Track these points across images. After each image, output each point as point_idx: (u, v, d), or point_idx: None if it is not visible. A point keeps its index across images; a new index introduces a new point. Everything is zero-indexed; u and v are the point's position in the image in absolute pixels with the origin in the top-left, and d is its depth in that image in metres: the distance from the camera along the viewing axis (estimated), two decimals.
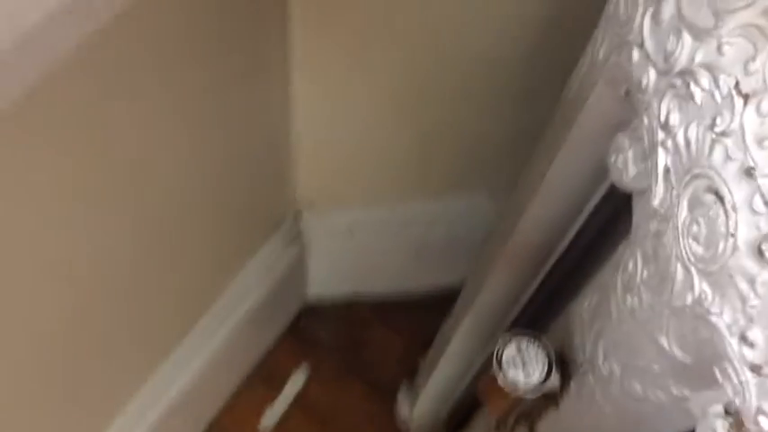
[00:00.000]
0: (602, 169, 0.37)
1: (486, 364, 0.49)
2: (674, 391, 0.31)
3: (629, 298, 0.32)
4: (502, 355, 0.37)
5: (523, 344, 0.38)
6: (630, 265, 0.32)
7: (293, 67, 0.63)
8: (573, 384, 0.39)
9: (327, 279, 0.92)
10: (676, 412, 0.32)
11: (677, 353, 0.29)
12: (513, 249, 0.44)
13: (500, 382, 0.37)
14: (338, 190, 0.82)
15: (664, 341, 0.30)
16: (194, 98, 0.52)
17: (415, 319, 0.91)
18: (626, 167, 0.33)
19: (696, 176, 0.26)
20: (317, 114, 0.70)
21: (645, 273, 0.31)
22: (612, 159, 0.34)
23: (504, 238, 0.45)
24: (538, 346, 0.38)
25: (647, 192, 0.32)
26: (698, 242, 0.26)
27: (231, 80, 0.56)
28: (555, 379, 0.38)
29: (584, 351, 0.37)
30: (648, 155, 0.30)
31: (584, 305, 0.38)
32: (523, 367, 0.37)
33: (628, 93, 0.32)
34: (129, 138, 0.47)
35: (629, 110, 0.33)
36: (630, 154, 0.33)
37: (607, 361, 0.35)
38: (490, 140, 0.78)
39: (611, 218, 0.39)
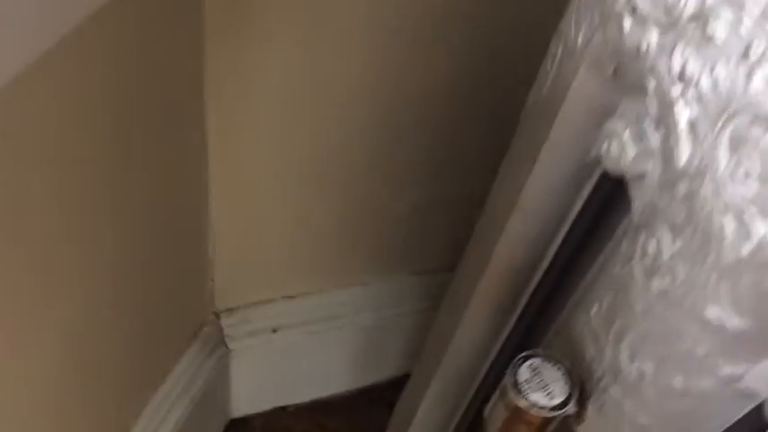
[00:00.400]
0: (584, 168, 0.36)
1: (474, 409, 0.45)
2: (725, 372, 0.29)
3: (656, 281, 0.30)
4: (516, 380, 0.34)
5: (537, 364, 0.35)
6: (651, 247, 0.30)
7: (210, 158, 0.60)
8: (591, 405, 0.36)
9: (254, 388, 0.85)
10: (726, 399, 0.30)
11: (731, 320, 0.27)
12: (492, 278, 0.42)
13: (523, 408, 0.33)
14: (258, 284, 0.77)
15: (712, 312, 0.28)
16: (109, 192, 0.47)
17: (357, 418, 0.85)
18: (623, 151, 0.32)
19: (734, 114, 0.25)
20: (233, 204, 0.67)
21: (676, 245, 0.29)
22: (605, 147, 0.33)
23: (478, 271, 0.43)
24: (551, 363, 0.35)
25: (649, 171, 0.31)
26: (750, 181, 0.24)
27: (147, 176, 0.52)
28: (576, 397, 0.35)
29: (600, 362, 0.35)
30: (659, 122, 0.29)
31: (592, 312, 0.35)
32: (544, 388, 0.34)
33: (616, 71, 0.31)
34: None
35: (616, 91, 0.32)
36: (627, 135, 0.32)
37: (635, 361, 0.32)
38: (415, 220, 0.77)
39: (597, 216, 0.37)
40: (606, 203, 0.36)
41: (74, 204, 0.43)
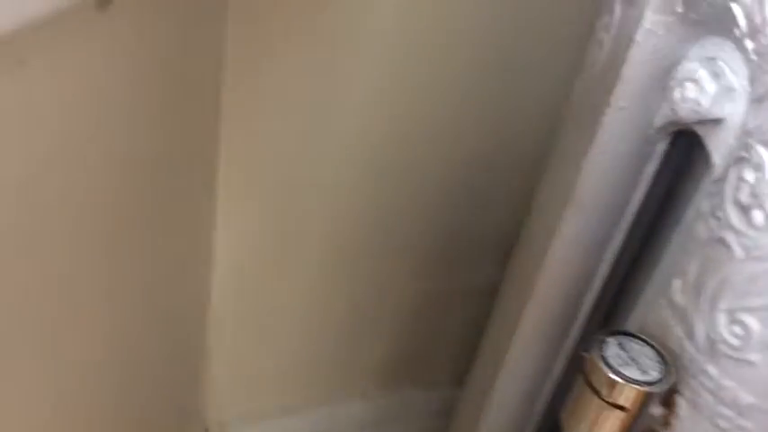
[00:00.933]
0: (648, 141, 0.34)
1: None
2: None
3: (756, 214, 0.28)
4: (604, 356, 0.29)
5: (623, 341, 0.30)
6: (748, 176, 0.28)
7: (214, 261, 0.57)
8: (682, 399, 0.31)
9: None
10: None
11: None
12: (545, 288, 0.38)
13: (617, 385, 0.29)
14: (254, 395, 0.71)
15: None
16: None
17: None
18: (702, 91, 0.30)
19: None
20: (230, 310, 0.63)
21: None
22: (678, 95, 0.31)
23: (527, 284, 0.39)
24: (638, 342, 0.31)
25: (728, 112, 0.29)
26: None
27: (150, 246, 0.48)
28: (674, 375, 0.30)
29: (692, 340, 0.31)
30: (753, 37, 0.27)
31: (675, 289, 0.32)
32: (635, 362, 0.29)
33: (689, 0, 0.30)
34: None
35: (686, 32, 0.31)
36: (703, 74, 0.30)
37: (735, 324, 0.29)
38: (421, 325, 0.73)
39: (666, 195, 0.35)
40: (675, 175, 0.34)
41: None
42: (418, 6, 0.49)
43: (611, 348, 0.30)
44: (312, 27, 0.48)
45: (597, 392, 0.29)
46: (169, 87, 0.43)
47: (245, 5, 0.46)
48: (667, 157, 0.34)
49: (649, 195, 0.35)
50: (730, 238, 0.28)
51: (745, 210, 0.28)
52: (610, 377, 0.28)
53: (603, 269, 0.37)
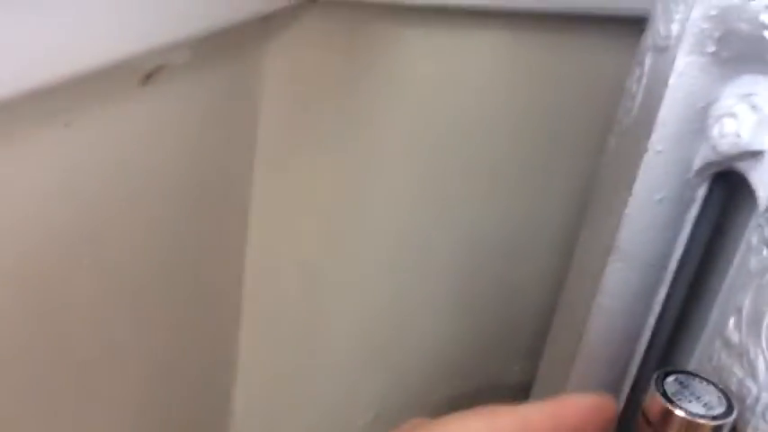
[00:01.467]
0: (688, 185, 0.34)
1: None
2: None
3: None
4: (665, 392, 0.28)
5: (683, 379, 0.29)
6: None
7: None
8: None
9: None
10: None
11: None
12: (590, 354, 0.37)
13: (678, 418, 0.27)
14: None
15: None
16: None
17: None
18: (740, 125, 0.30)
19: None
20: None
21: None
22: (716, 131, 0.31)
23: (574, 341, 0.38)
24: (698, 379, 0.29)
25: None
26: None
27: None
28: (737, 409, 0.29)
29: (755, 378, 0.29)
30: None
31: (729, 328, 0.31)
32: (698, 399, 0.28)
33: (721, 40, 0.30)
34: None
35: (719, 72, 0.31)
36: (740, 108, 0.31)
37: None
38: None
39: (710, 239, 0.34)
40: (723, 215, 0.34)
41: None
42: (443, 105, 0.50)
43: (672, 386, 0.28)
44: (341, 128, 0.49)
45: (652, 426, 0.28)
46: (202, 168, 0.44)
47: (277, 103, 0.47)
48: (711, 200, 0.34)
49: (695, 238, 0.34)
50: None
51: None
52: (673, 412, 0.27)
53: (651, 320, 0.36)
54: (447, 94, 0.49)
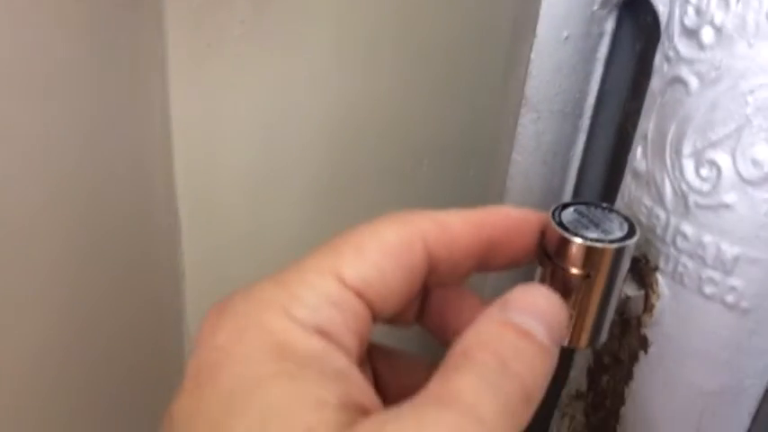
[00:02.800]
0: (594, 16, 0.32)
1: None
2: None
3: (704, 33, 0.25)
4: (562, 222, 0.26)
5: (582, 209, 0.27)
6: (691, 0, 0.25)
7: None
8: (662, 276, 0.28)
9: None
10: None
11: None
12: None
13: (574, 245, 0.25)
14: None
15: None
16: None
17: None
18: None
19: None
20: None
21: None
22: None
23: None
24: (599, 209, 0.27)
25: None
26: None
27: None
28: (641, 238, 0.27)
29: (662, 202, 0.27)
30: None
31: (639, 152, 0.29)
32: (596, 227, 0.26)
33: None
34: None
35: None
36: None
37: (704, 163, 0.25)
38: None
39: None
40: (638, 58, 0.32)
41: None
42: None
43: (569, 216, 0.26)
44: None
45: (552, 259, 0.26)
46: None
47: None
48: (622, 35, 0.32)
49: (611, 79, 0.32)
50: (684, 71, 0.26)
51: (693, 33, 0.25)
52: (569, 240, 0.25)
53: (572, 173, 0.34)
54: None
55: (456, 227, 0.24)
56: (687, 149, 0.26)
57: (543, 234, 0.26)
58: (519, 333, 0.22)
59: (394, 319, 0.25)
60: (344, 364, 0.20)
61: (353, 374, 0.20)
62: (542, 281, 0.27)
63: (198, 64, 0.43)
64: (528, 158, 0.34)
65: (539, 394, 0.21)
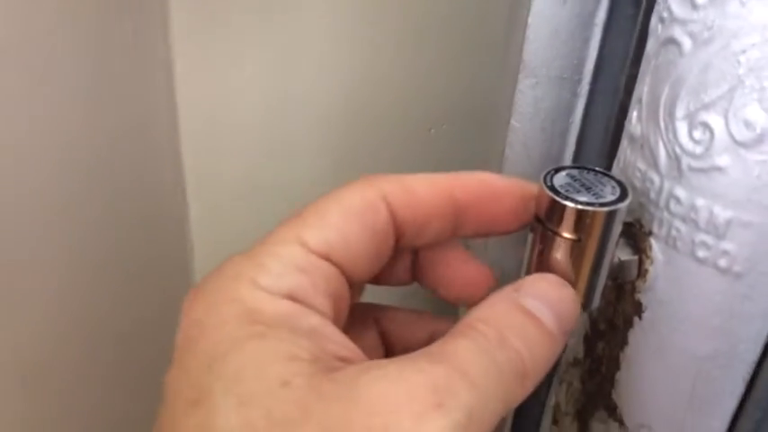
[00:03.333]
0: None
1: None
2: None
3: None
4: (553, 186, 0.26)
5: (574, 173, 0.27)
6: None
7: None
8: (655, 242, 0.28)
9: None
10: None
11: None
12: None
13: (565, 209, 0.25)
14: None
15: None
16: None
17: None
18: None
19: None
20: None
21: None
22: None
23: None
24: (592, 173, 0.27)
25: None
26: None
27: None
28: (634, 201, 0.27)
29: (656, 166, 0.27)
30: None
31: (633, 117, 0.29)
32: (588, 191, 0.26)
33: None
34: None
35: None
36: None
37: (697, 125, 0.25)
38: None
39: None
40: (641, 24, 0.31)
41: None
42: None
43: (561, 179, 0.26)
44: None
45: (543, 223, 0.26)
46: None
47: None
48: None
49: (611, 43, 0.32)
50: (677, 32, 0.25)
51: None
52: (560, 203, 0.25)
53: (571, 139, 0.34)
54: None
55: (421, 189, 0.24)
56: (680, 112, 0.26)
57: (535, 199, 0.26)
58: (527, 315, 0.22)
59: (381, 280, 0.26)
60: (317, 321, 0.20)
61: (328, 330, 0.20)
62: (533, 246, 0.27)
63: (201, 30, 0.43)
64: (526, 125, 0.34)
65: (535, 376, 0.22)
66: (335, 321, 0.21)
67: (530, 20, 0.32)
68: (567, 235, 0.25)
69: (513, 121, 0.34)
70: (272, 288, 0.21)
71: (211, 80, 0.45)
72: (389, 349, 0.28)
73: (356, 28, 0.47)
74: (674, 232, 0.27)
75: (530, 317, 0.23)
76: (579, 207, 0.25)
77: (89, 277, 0.44)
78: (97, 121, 0.41)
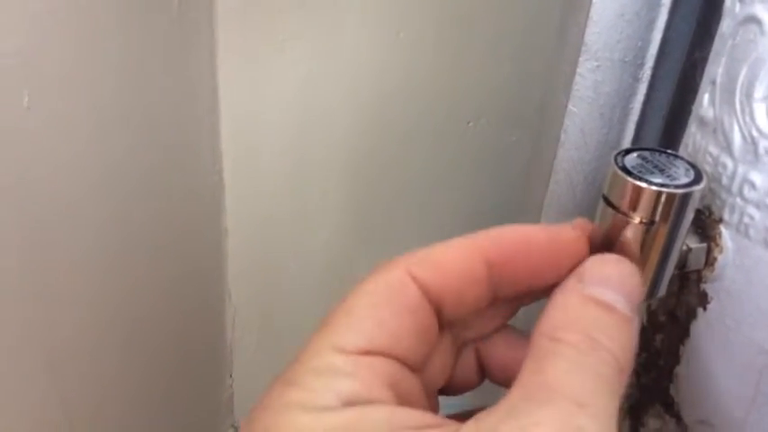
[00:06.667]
0: None
1: None
2: None
3: None
4: (625, 166, 0.25)
5: (646, 155, 0.26)
6: None
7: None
8: (726, 229, 0.27)
9: None
10: None
11: None
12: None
13: (640, 190, 0.24)
14: None
15: None
16: None
17: None
18: None
19: None
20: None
21: None
22: None
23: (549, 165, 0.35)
24: (664, 155, 0.26)
25: None
26: None
27: None
28: (707, 186, 0.26)
29: (730, 150, 0.26)
30: None
31: (705, 100, 0.27)
32: (661, 173, 0.25)
33: None
34: None
35: None
36: None
37: None
38: None
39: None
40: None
41: None
42: None
43: (633, 161, 0.25)
44: None
45: (613, 206, 0.25)
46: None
47: None
48: None
49: (676, 27, 0.31)
50: (758, 9, 0.24)
51: None
52: (635, 184, 0.24)
53: (631, 125, 0.33)
54: None
55: (447, 257, 0.23)
56: (759, 93, 0.24)
57: (606, 183, 0.25)
58: (601, 307, 0.22)
59: (452, 389, 0.26)
60: (383, 414, 0.19)
61: (396, 418, 0.19)
62: (602, 231, 0.26)
63: (244, 30, 0.42)
64: (584, 109, 0.33)
65: (629, 364, 0.21)
66: (404, 402, 0.21)
67: (594, 0, 0.31)
68: (638, 219, 0.24)
69: (570, 106, 0.33)
70: (323, 405, 0.20)
71: (253, 74, 0.45)
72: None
73: (397, 16, 0.46)
74: (746, 219, 0.26)
75: (604, 308, 0.22)
76: (654, 188, 0.24)
77: (131, 280, 0.44)
78: (140, 121, 0.41)
